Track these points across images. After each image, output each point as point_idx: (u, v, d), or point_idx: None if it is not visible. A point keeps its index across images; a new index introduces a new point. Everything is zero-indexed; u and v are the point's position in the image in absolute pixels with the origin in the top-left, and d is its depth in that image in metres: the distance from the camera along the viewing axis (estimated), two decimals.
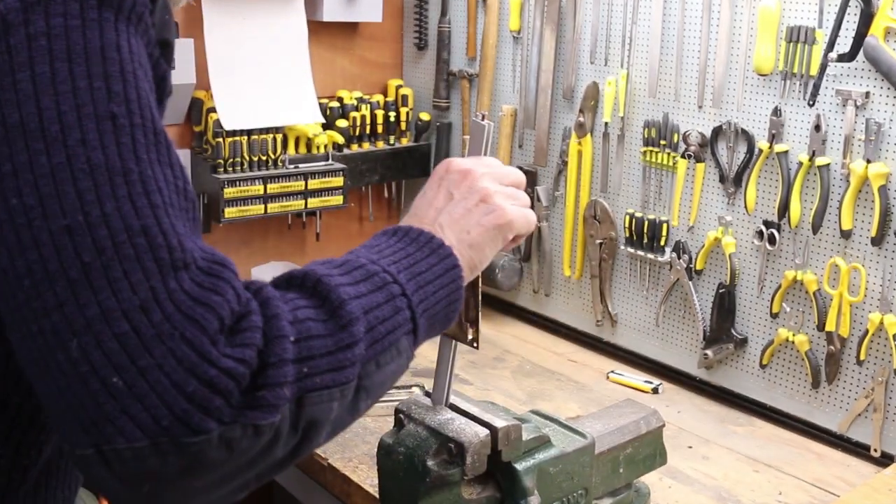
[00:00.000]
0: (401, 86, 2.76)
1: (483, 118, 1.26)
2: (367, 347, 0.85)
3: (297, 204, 2.50)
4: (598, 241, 2.28)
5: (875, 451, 1.81)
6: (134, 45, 0.80)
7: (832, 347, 1.85)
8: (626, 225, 2.19)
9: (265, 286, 0.82)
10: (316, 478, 1.79)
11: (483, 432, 1.28)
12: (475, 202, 1.02)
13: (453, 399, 1.36)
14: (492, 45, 2.46)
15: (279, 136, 2.46)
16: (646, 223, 2.15)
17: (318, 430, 0.82)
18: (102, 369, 0.71)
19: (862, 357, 1.80)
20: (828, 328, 1.85)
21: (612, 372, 2.19)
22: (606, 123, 2.22)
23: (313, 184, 2.49)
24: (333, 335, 0.81)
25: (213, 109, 2.37)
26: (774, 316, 1.95)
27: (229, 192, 2.36)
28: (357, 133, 2.64)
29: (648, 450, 1.54)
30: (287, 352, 0.77)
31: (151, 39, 0.84)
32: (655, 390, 2.11)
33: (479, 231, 1.01)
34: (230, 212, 2.37)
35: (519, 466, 1.31)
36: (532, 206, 2.49)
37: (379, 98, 2.70)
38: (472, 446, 1.26)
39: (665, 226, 2.13)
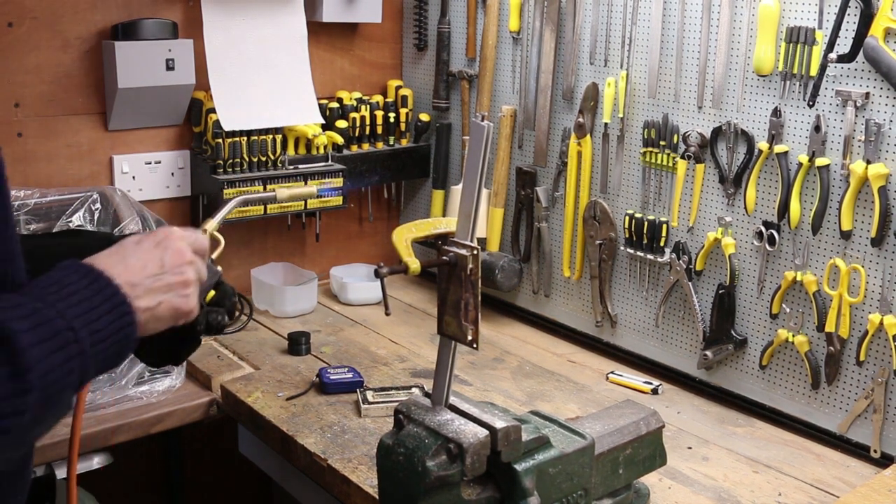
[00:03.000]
0: (400, 86, 2.76)
1: (483, 119, 1.27)
2: (37, 408, 0.92)
3: (297, 204, 2.50)
4: (598, 242, 2.27)
5: (875, 451, 1.81)
6: None
7: (832, 348, 1.85)
8: (626, 226, 2.19)
9: None
10: (316, 478, 1.79)
11: (482, 433, 1.28)
12: (177, 282, 1.12)
13: (453, 400, 1.36)
14: (491, 45, 2.46)
15: (279, 137, 2.46)
16: (645, 224, 2.15)
17: None
18: None
19: (862, 358, 1.80)
20: (827, 329, 1.85)
21: (612, 373, 2.19)
22: (606, 124, 2.22)
23: (313, 184, 2.49)
24: (10, 399, 0.90)
25: (212, 110, 2.37)
26: (774, 317, 1.95)
27: (229, 192, 2.35)
28: (356, 134, 2.64)
29: (648, 450, 1.55)
30: None
31: None
32: (655, 391, 2.11)
33: (167, 308, 1.11)
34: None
35: (518, 467, 1.31)
36: (532, 207, 2.51)
37: (378, 99, 2.70)
38: (472, 447, 1.26)
39: (665, 226, 2.13)
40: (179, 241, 1.15)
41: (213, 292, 1.32)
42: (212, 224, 1.36)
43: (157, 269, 1.10)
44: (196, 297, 1.16)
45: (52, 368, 0.93)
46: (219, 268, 1.32)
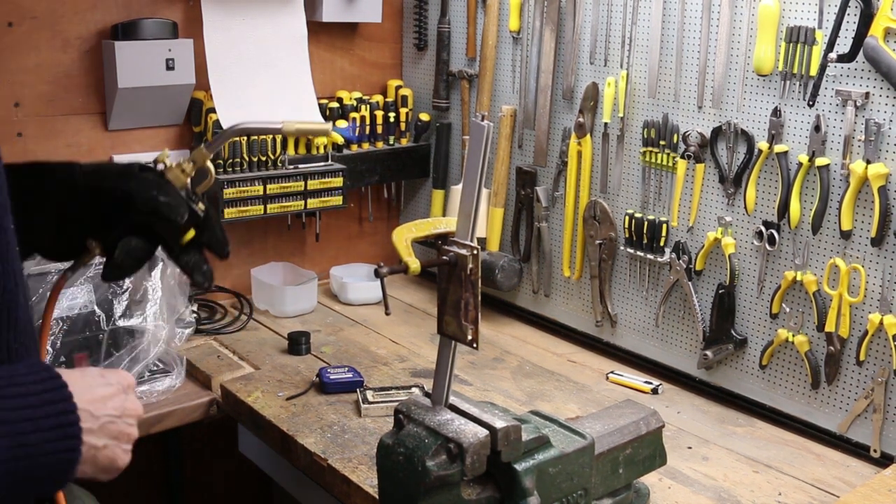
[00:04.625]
0: (400, 86, 2.76)
1: (483, 119, 1.27)
2: None
3: (297, 204, 2.50)
4: (598, 242, 2.27)
5: (875, 451, 1.81)
6: None
7: (832, 348, 1.85)
8: (626, 225, 2.19)
9: None
10: (316, 479, 1.79)
11: (482, 433, 1.28)
12: (126, 433, 1.09)
13: (453, 399, 1.36)
14: (491, 45, 2.46)
15: (279, 137, 2.46)
16: (645, 224, 2.15)
17: None
18: None
19: (862, 357, 1.80)
20: (827, 329, 1.85)
21: (612, 372, 2.19)
22: (606, 124, 2.22)
23: (313, 184, 2.49)
24: None
25: (212, 110, 2.37)
26: (774, 316, 1.95)
27: (229, 192, 2.36)
28: (357, 133, 2.64)
29: (648, 450, 1.55)
30: None
31: None
32: (655, 391, 2.11)
33: (107, 455, 1.07)
34: (230, 212, 2.38)
35: (518, 467, 1.31)
36: (532, 207, 2.50)
37: (378, 98, 2.70)
38: (472, 447, 1.26)
39: (665, 226, 2.13)
40: (136, 396, 1.13)
41: (192, 231, 1.17)
42: (203, 153, 1.21)
43: (116, 412, 1.08)
44: (128, 454, 1.11)
45: None
46: (201, 206, 1.17)
